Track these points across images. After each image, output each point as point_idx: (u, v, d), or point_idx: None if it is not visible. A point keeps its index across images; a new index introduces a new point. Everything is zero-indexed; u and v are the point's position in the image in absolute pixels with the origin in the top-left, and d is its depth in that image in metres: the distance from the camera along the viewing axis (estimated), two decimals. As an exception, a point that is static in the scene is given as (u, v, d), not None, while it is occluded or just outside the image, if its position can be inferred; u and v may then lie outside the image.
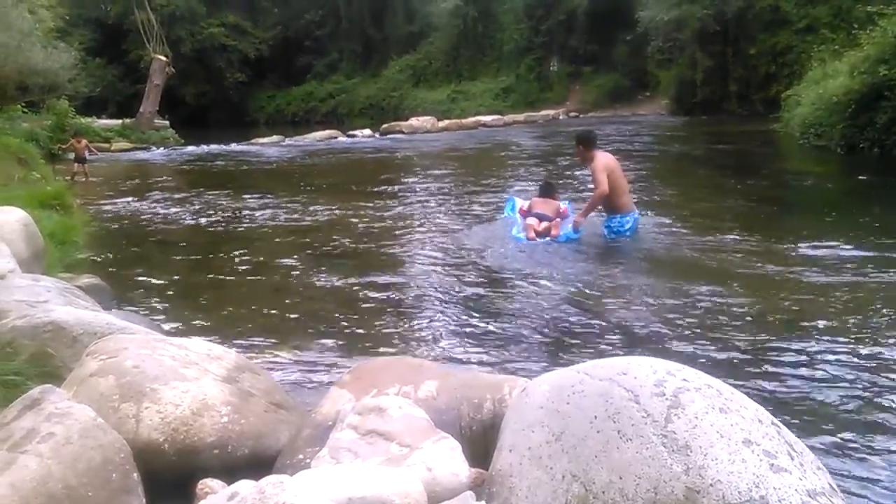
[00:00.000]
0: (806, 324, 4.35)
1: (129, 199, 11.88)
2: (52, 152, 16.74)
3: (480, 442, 2.23)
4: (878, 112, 12.31)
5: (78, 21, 34.69)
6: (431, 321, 4.85)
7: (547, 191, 7.60)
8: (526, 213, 7.21)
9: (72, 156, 15.25)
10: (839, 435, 3.01)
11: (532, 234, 6.77)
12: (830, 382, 3.52)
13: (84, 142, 15.28)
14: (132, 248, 7.89)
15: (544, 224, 6.89)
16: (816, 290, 5.04)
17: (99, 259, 7.11)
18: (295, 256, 7.04)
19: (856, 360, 3.77)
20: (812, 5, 23.78)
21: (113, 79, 39.09)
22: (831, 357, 3.82)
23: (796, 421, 3.07)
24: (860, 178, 10.82)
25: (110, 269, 6.53)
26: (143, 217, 10.05)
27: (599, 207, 6.91)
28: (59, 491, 1.79)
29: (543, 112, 31.12)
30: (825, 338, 4.10)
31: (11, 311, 3.23)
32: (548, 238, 6.78)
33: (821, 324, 4.33)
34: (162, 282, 6.27)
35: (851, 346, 3.95)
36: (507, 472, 1.73)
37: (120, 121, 26.88)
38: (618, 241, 6.75)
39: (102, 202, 11.57)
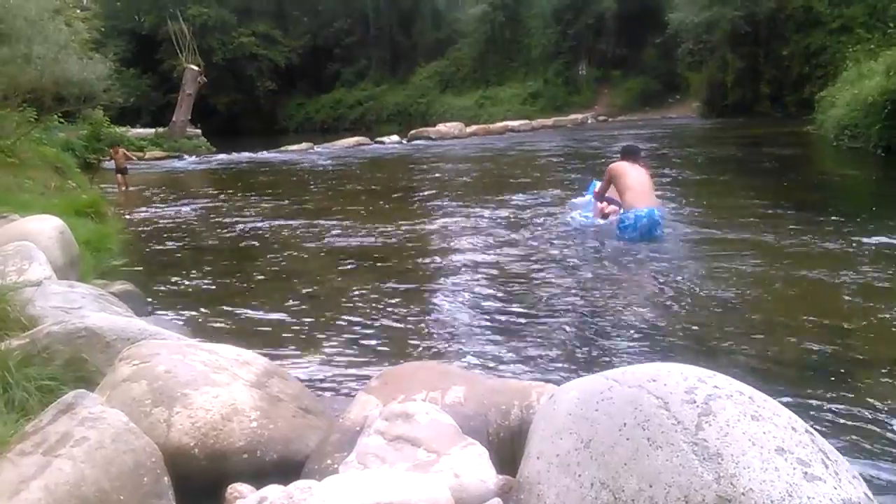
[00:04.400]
0: (841, 330, 4.25)
1: (162, 206, 12.08)
2: (87, 161, 17.10)
3: (508, 448, 2.22)
4: (915, 113, 12.06)
5: (112, 32, 35.47)
6: (459, 327, 4.84)
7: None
8: (599, 196, 7.89)
9: (111, 165, 15.60)
10: (875, 443, 2.93)
11: (599, 217, 7.70)
12: (866, 389, 3.44)
13: (122, 151, 15.60)
14: (164, 255, 8.01)
15: (611, 208, 7.71)
16: (853, 295, 4.93)
17: (132, 266, 7.23)
18: (324, 262, 7.09)
19: (894, 368, 3.68)
20: (846, 5, 23.39)
21: (146, 88, 39.91)
22: (867, 363, 3.73)
23: (831, 429, 3.01)
24: (897, 180, 10.59)
25: (143, 276, 6.64)
26: (175, 224, 10.21)
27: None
28: (92, 495, 1.82)
29: (572, 116, 31.05)
30: (860, 345, 4.00)
31: (47, 317, 3.30)
32: (609, 219, 7.62)
33: (856, 330, 4.23)
34: (193, 288, 6.36)
35: (889, 353, 3.86)
36: (535, 479, 1.72)
37: (153, 130, 27.44)
38: (648, 245, 6.68)
39: (136, 210, 11.77)
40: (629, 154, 7.52)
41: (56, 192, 10.29)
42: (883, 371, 3.63)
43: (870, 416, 3.17)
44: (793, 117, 21.70)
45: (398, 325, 4.95)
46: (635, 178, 7.01)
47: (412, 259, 7.02)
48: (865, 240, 6.43)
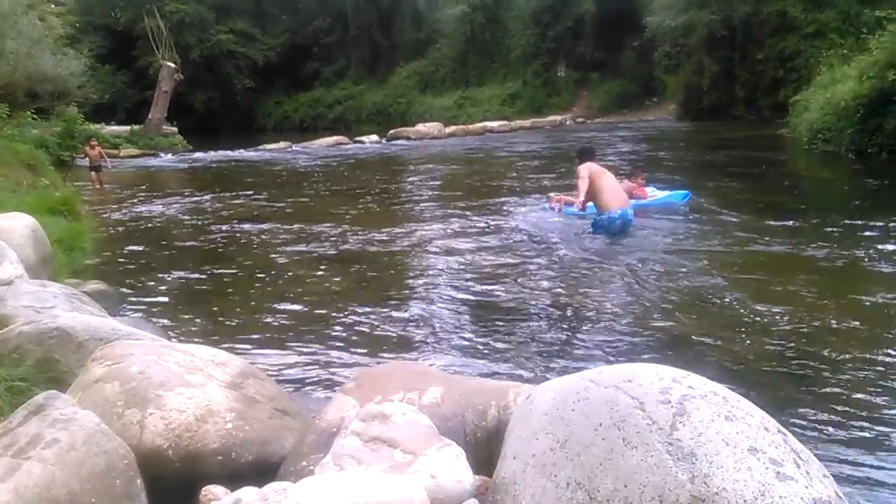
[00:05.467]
0: (814, 331, 4.31)
1: (137, 205, 11.93)
2: (61, 159, 16.81)
3: (485, 449, 2.22)
4: (886, 117, 12.26)
5: (88, 28, 34.94)
6: (436, 327, 4.84)
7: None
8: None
9: (85, 162, 15.32)
10: (846, 443, 2.98)
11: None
12: (837, 390, 3.49)
13: (98, 148, 15.35)
14: (139, 255, 7.92)
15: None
16: (826, 296, 5.00)
17: (106, 265, 7.13)
18: (301, 263, 7.05)
19: (864, 367, 3.74)
20: (820, 10, 23.71)
21: (122, 85, 39.34)
22: (839, 364, 3.79)
23: (803, 429, 3.05)
24: (869, 183, 10.75)
25: (117, 276, 6.55)
26: (150, 223, 10.09)
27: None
28: (63, 497, 1.79)
29: (550, 118, 31.15)
30: (833, 345, 4.06)
31: (18, 317, 3.24)
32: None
33: (829, 331, 4.30)
34: (168, 288, 6.29)
35: (860, 353, 3.92)
36: (512, 479, 1.72)
37: (129, 127, 27.06)
38: (623, 246, 6.76)
39: (110, 208, 11.62)
40: (591, 154, 7.84)
41: (28, 189, 10.11)
42: (854, 372, 3.68)
43: (841, 416, 3.22)
44: (767, 121, 21.97)
45: (375, 325, 4.94)
46: (607, 179, 7.34)
47: (390, 260, 7.01)
48: (839, 242, 6.53)
